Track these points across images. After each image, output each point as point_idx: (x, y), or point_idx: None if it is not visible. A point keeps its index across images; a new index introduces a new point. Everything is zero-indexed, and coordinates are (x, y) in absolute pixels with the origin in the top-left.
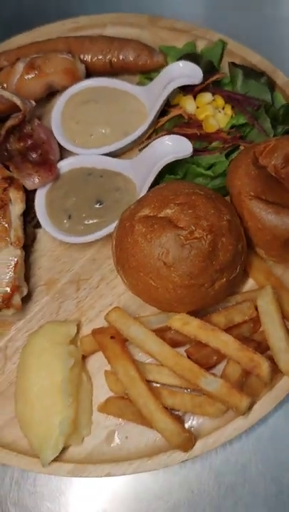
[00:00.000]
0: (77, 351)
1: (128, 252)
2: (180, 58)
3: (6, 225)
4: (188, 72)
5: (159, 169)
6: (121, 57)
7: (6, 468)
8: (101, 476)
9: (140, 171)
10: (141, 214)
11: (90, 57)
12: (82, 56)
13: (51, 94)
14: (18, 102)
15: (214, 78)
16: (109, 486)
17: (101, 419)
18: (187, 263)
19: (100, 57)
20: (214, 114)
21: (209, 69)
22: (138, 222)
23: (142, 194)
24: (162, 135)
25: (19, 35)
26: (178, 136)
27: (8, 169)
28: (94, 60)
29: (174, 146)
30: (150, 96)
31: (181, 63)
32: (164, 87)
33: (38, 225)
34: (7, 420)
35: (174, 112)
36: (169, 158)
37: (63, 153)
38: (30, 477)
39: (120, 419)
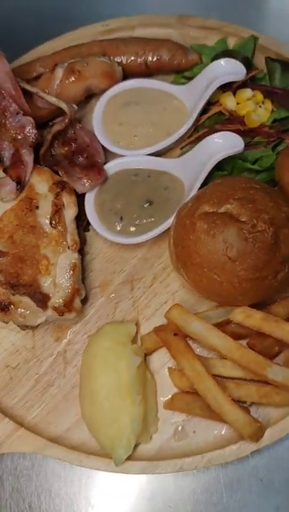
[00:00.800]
0: (141, 350)
1: (190, 249)
2: (216, 56)
3: (62, 230)
4: (231, 70)
5: (212, 166)
6: (156, 57)
7: (74, 470)
8: (174, 472)
9: (189, 170)
10: (201, 211)
11: (125, 59)
12: (117, 58)
13: (88, 96)
14: (64, 107)
15: (253, 73)
16: (176, 481)
17: (166, 416)
18: (252, 256)
19: (136, 58)
20: (255, 109)
21: (246, 65)
22: (199, 219)
23: (193, 192)
24: (204, 132)
25: (49, 41)
26: (228, 133)
27: (58, 174)
28: (129, 62)
29: (224, 143)
30: (190, 95)
31: (223, 61)
32: (206, 86)
33: (86, 228)
34: (73, 422)
35: (214, 109)
36: (222, 155)
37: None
38: (101, 477)
39: (185, 415)
